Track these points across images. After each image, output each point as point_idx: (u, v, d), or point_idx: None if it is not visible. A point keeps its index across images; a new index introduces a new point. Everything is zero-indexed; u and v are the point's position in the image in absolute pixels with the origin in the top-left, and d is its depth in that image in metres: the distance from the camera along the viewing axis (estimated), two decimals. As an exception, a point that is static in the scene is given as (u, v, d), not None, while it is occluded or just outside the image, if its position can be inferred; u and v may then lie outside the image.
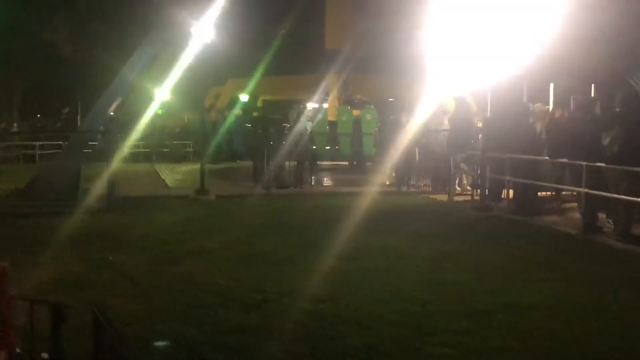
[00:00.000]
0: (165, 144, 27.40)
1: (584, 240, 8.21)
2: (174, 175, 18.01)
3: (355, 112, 17.42)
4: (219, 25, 12.94)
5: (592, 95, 15.12)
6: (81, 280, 6.16)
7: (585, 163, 8.47)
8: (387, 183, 14.08)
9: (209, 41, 12.38)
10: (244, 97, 24.53)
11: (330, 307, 5.22)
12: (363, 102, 18.27)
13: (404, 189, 13.64)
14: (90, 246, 7.74)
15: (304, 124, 13.76)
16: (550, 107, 12.97)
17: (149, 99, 25.66)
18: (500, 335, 4.51)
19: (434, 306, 5.16)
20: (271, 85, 21.96)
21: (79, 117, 31.64)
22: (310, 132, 14.02)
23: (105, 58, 30.11)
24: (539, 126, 10.49)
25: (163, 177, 17.41)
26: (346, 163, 18.12)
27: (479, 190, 12.23)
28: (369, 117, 16.80)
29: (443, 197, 12.36)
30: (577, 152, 8.70)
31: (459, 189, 12.18)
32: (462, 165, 11.86)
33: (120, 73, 12.77)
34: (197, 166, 22.02)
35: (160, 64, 19.71)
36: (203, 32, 12.38)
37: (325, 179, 16.26)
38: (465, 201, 11.93)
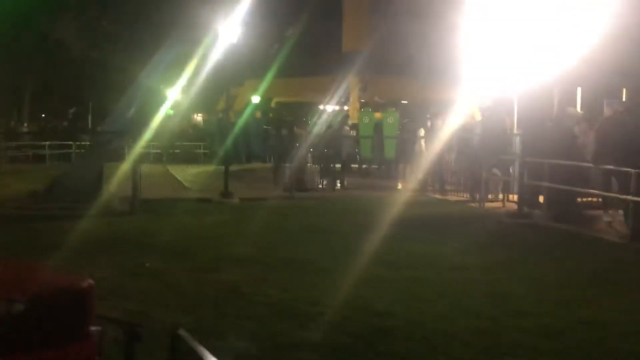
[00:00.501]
0: (176, 145, 27.20)
1: (634, 249, 7.88)
2: (188, 177, 17.75)
3: (377, 115, 17.14)
4: (239, 26, 12.68)
5: (624, 99, 14.83)
6: (120, 289, 5.85)
7: (634, 170, 8.17)
8: (412, 187, 13.77)
9: (234, 41, 12.08)
10: (255, 99, 24.29)
11: (391, 322, 4.90)
12: (384, 105, 17.95)
13: (432, 194, 13.34)
14: (121, 251, 7.45)
15: (338, 127, 13.46)
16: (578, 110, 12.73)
17: (162, 100, 25.48)
18: (588, 358, 4.20)
19: (505, 322, 4.84)
20: (288, 87, 21.72)
21: (89, 117, 31.51)
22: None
23: (116, 58, 30.01)
24: (576, 130, 10.18)
25: (180, 179, 17.15)
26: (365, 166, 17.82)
27: (510, 196, 11.99)
28: (390, 120, 16.51)
29: (474, 203, 12.07)
30: (630, 156, 8.35)
31: (490, 195, 11.84)
32: (495, 170, 11.53)
33: (141, 74, 12.54)
34: (209, 168, 22.09)
35: (176, 65, 19.55)
36: (228, 32, 12.08)
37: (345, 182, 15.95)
38: (497, 207, 11.65)
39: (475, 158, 11.70)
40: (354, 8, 21.23)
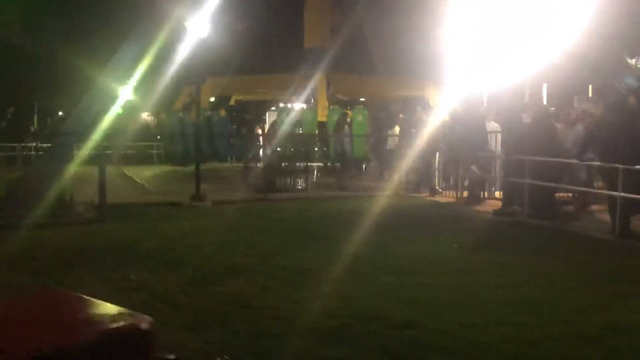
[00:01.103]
0: (128, 146, 26.14)
1: (623, 246, 7.88)
2: (147, 179, 16.99)
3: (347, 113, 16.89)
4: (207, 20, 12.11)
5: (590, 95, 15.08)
6: (112, 306, 5.33)
7: (621, 166, 8.18)
8: (388, 186, 13.58)
9: (204, 36, 11.52)
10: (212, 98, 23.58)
11: (418, 333, 4.60)
12: (351, 102, 17.73)
13: (408, 192, 13.16)
14: (100, 263, 6.87)
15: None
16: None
17: (114, 98, 24.33)
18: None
19: (537, 330, 4.62)
20: (247, 84, 21.15)
21: (35, 117, 29.92)
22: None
23: (63, 55, 28.58)
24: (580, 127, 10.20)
25: (139, 181, 16.40)
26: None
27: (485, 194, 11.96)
28: (360, 118, 16.27)
29: (450, 199, 12.01)
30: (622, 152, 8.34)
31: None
32: (473, 167, 11.45)
33: (93, 71, 11.77)
34: (165, 169, 21.30)
35: (132, 62, 18.61)
36: (196, 26, 11.51)
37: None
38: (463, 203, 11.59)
39: (454, 155, 11.58)
40: (316, 3, 20.88)
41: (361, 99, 23.11)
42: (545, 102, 14.14)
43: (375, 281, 5.95)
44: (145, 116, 33.17)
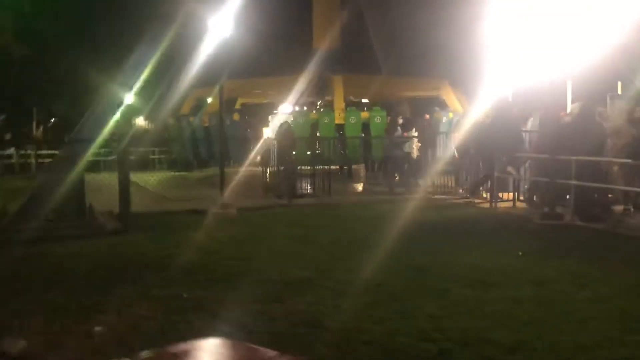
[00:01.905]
0: (130, 151, 25.49)
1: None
2: (155, 186, 16.37)
3: (364, 115, 16.39)
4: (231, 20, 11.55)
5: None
6: (172, 332, 4.80)
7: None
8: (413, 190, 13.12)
9: (227, 36, 10.97)
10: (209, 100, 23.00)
11: (533, 358, 4.12)
12: (368, 104, 17.26)
13: (433, 195, 12.68)
14: (143, 280, 6.32)
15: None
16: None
17: (116, 103, 23.68)
18: None
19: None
20: (257, 86, 20.62)
21: (34, 123, 29.14)
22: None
23: (64, 61, 27.90)
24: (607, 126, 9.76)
25: (150, 188, 15.79)
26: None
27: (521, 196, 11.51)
28: (378, 119, 15.78)
29: (485, 204, 11.54)
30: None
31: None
32: (509, 168, 10.99)
33: (119, 76, 11.17)
34: (168, 174, 20.66)
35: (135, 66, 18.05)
36: (220, 27, 10.96)
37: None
38: (509, 208, 11.16)
39: (489, 156, 11.12)
40: (323, 3, 20.40)
41: (364, 100, 22.63)
42: (570, 101, 13.67)
43: (454, 296, 5.45)
44: (142, 121, 32.57)
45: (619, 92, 13.75)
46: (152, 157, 28.39)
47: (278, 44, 20.96)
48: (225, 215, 10.73)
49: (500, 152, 10.94)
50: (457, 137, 11.56)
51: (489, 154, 10.95)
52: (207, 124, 19.07)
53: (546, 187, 9.98)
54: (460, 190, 12.43)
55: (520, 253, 7.09)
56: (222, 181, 11.09)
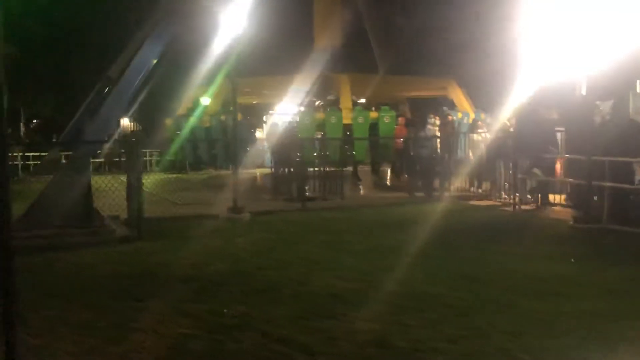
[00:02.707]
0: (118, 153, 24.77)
1: None
2: (155, 189, 15.73)
3: (373, 114, 15.93)
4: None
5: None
6: (221, 353, 4.28)
7: None
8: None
9: (240, 32, 10.44)
10: (205, 100, 22.40)
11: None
12: (365, 104, 16.82)
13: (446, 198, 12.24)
14: (172, 293, 5.77)
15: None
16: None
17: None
18: None
19: None
20: (256, 86, 20.04)
21: (21, 124, 28.31)
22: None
23: (50, 59, 27.13)
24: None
25: (151, 192, 15.14)
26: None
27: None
28: (387, 119, 15.34)
29: (507, 206, 11.13)
30: None
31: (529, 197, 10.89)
32: (536, 170, 10.57)
33: (126, 75, 10.51)
34: (162, 176, 19.98)
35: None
36: (233, 22, 10.42)
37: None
38: (532, 210, 10.77)
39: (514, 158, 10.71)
40: (325, 1, 19.90)
41: (361, 100, 22.19)
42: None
43: (524, 310, 4.98)
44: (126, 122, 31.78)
45: (638, 90, 13.46)
46: (144, 158, 27.78)
47: (278, 43, 20.45)
48: (239, 220, 10.21)
49: (525, 154, 10.54)
50: (484, 139, 11.13)
51: (514, 155, 10.54)
52: (208, 125, 18.46)
53: (579, 189, 9.57)
54: (478, 191, 11.99)
55: (572, 260, 6.66)
56: (235, 184, 10.53)
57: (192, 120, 19.57)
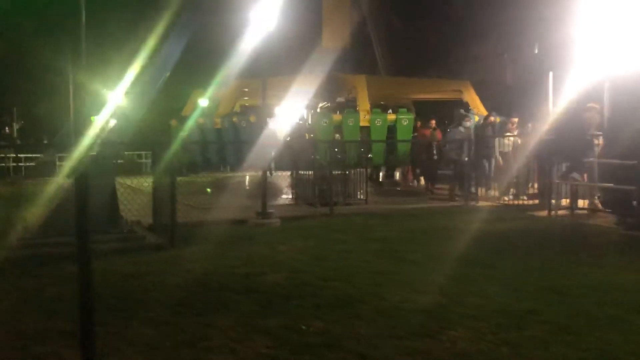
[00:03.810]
0: (118, 155, 24.09)
1: None
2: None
3: (390, 117, 15.56)
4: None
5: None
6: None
7: None
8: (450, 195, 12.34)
9: (271, 29, 10.01)
10: (203, 102, 21.90)
11: None
12: (394, 106, 16.46)
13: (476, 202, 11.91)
14: (235, 305, 5.32)
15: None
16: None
17: (100, 103, 22.27)
18: None
19: None
20: (277, 86, 19.55)
21: (14, 124, 27.44)
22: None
23: (42, 57, 26.33)
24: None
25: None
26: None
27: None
28: (405, 121, 14.98)
29: (542, 212, 10.81)
30: None
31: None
32: (575, 175, 10.27)
33: (146, 72, 10.03)
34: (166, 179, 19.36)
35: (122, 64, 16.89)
36: (263, 20, 9.97)
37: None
38: (565, 215, 10.48)
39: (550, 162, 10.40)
40: (334, 1, 19.52)
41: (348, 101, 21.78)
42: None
43: (636, 326, 4.60)
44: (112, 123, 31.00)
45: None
46: (139, 161, 27.08)
47: (285, 43, 19.98)
48: (270, 225, 9.76)
49: (563, 158, 10.24)
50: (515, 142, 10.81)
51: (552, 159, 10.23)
52: (219, 127, 17.94)
53: (621, 194, 9.28)
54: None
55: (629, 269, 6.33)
56: (264, 190, 10.06)
57: (193, 121, 19.10)
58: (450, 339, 4.39)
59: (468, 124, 12.29)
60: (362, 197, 12.60)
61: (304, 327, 4.73)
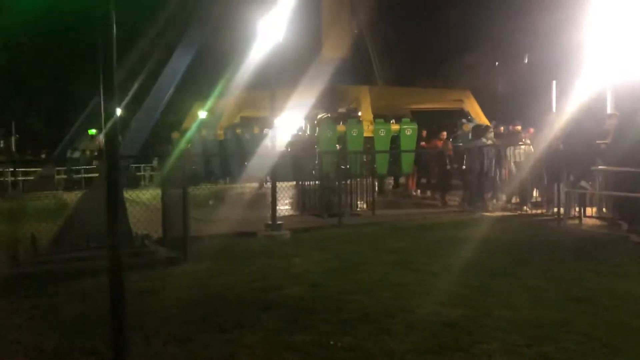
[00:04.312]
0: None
1: None
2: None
3: (394, 127, 15.54)
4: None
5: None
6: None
7: None
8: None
9: (280, 40, 9.98)
10: (202, 114, 21.84)
11: None
12: (397, 116, 16.47)
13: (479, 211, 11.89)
14: (257, 321, 5.22)
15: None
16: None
17: (100, 116, 22.11)
18: None
19: None
20: (259, 99, 19.50)
21: (12, 138, 27.26)
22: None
23: (41, 71, 26.28)
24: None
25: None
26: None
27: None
28: (408, 131, 14.98)
29: (551, 221, 10.79)
30: None
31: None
32: (583, 183, 10.26)
33: (156, 85, 9.94)
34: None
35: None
36: (271, 31, 9.95)
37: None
38: (576, 224, 10.45)
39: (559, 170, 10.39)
40: (333, 13, 19.57)
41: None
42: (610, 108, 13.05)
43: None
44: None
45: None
46: (138, 174, 26.90)
47: (287, 56, 19.98)
48: (280, 237, 9.68)
49: (572, 166, 10.23)
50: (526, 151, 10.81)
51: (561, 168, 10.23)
52: (222, 139, 17.88)
53: (633, 202, 9.26)
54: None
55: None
56: (274, 201, 9.98)
57: (193, 133, 19.02)
58: (485, 353, 4.32)
59: (491, 134, 12.10)
60: (368, 207, 12.54)
61: (332, 343, 4.65)
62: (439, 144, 14.29)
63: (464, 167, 12.41)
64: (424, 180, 14.94)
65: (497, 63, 25.03)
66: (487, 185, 11.67)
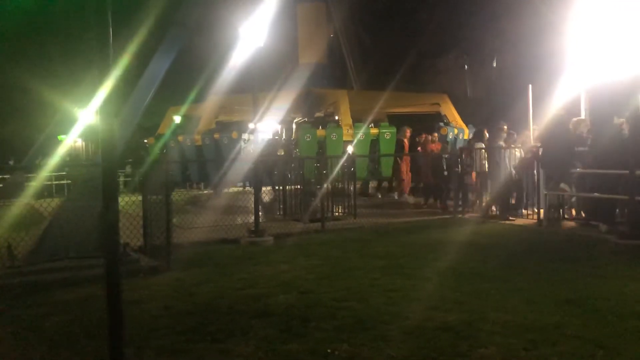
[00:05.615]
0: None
1: None
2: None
3: (373, 131, 15.55)
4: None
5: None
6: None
7: None
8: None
9: (261, 44, 9.90)
10: (177, 119, 21.60)
11: None
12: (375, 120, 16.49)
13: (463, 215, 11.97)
14: (250, 329, 5.14)
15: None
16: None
17: (70, 122, 21.69)
18: None
19: None
20: (235, 103, 19.37)
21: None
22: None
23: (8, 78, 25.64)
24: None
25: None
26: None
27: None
28: (387, 135, 15.00)
29: (527, 222, 10.95)
30: None
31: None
32: (563, 185, 10.40)
33: (137, 88, 9.72)
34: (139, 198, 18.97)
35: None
36: (252, 34, 9.87)
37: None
38: (555, 226, 10.60)
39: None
40: (309, 18, 19.55)
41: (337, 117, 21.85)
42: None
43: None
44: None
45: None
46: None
47: (265, 60, 19.90)
48: (264, 244, 9.58)
49: (552, 169, 10.37)
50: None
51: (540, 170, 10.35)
52: (199, 144, 17.66)
53: (610, 204, 9.43)
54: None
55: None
56: (257, 208, 9.88)
57: (168, 138, 18.76)
58: (484, 358, 4.31)
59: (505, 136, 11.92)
60: (350, 211, 12.52)
61: (329, 351, 4.59)
62: (434, 147, 14.26)
63: (457, 169, 12.38)
64: (418, 185, 14.84)
65: (466, 67, 25.40)
66: (512, 188, 11.54)
